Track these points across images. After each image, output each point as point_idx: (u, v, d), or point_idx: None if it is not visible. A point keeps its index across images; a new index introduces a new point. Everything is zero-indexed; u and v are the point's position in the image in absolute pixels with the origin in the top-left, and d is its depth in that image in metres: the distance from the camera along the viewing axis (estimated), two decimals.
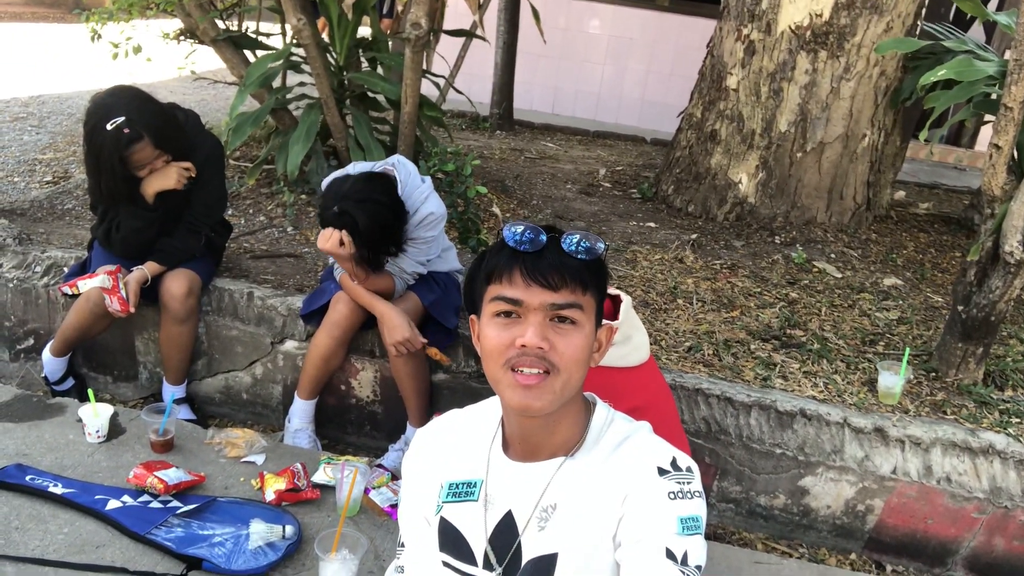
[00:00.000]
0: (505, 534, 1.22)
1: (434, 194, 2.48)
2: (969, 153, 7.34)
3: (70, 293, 2.53)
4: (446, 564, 1.26)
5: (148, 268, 2.54)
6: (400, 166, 2.48)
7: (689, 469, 1.15)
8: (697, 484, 1.15)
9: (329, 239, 2.29)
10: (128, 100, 2.37)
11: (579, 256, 1.14)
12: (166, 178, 2.49)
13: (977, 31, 7.02)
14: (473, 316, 1.24)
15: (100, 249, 2.63)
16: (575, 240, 1.15)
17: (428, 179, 2.53)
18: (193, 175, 2.54)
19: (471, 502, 1.25)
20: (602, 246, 1.16)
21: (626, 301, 1.86)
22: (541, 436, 1.21)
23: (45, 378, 2.76)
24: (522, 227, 1.15)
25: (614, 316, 1.81)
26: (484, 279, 1.18)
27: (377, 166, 2.50)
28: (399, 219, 2.38)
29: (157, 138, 2.40)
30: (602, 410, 1.25)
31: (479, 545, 1.24)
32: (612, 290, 1.87)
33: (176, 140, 2.48)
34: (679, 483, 1.13)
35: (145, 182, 2.48)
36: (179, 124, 2.52)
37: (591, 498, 1.17)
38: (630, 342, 1.83)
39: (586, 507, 1.17)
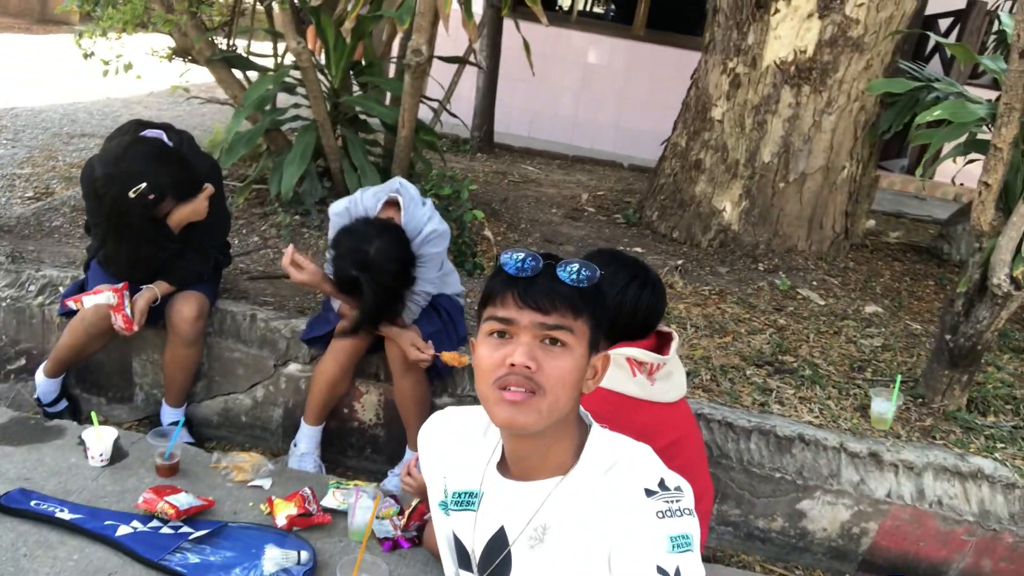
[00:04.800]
0: (496, 545, 1.28)
1: (436, 214, 2.51)
2: (928, 183, 7.62)
3: (74, 308, 2.49)
4: None
5: (159, 287, 2.52)
6: (404, 190, 2.51)
7: (679, 488, 1.17)
8: (687, 503, 1.16)
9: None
10: (144, 162, 2.35)
11: (572, 283, 1.18)
12: (196, 210, 2.51)
13: (935, 66, 7.33)
14: (472, 339, 1.28)
15: (98, 269, 2.59)
16: (570, 267, 1.19)
17: (429, 201, 2.56)
18: (212, 192, 2.55)
19: (471, 511, 1.32)
20: (598, 274, 1.20)
21: (676, 339, 1.90)
22: (535, 458, 1.25)
23: (37, 399, 2.71)
24: (521, 254, 1.20)
25: (661, 351, 1.85)
26: (481, 302, 1.24)
27: (382, 192, 2.51)
28: (408, 280, 2.42)
29: (179, 192, 2.45)
30: (597, 432, 1.26)
31: (475, 552, 1.32)
32: (663, 327, 1.91)
33: (194, 181, 2.50)
34: (667, 502, 1.14)
35: (174, 216, 2.49)
36: (190, 164, 2.51)
37: (582, 521, 1.19)
38: (671, 378, 1.87)
39: (578, 530, 1.19)
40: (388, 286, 2.32)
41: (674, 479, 1.18)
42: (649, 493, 1.15)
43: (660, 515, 1.12)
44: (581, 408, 1.28)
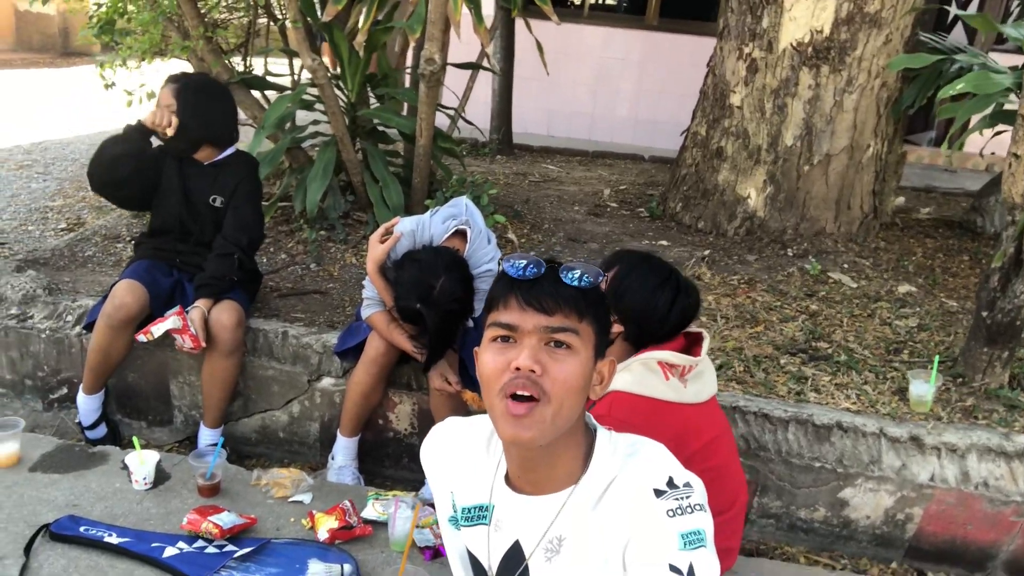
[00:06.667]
0: (512, 560, 1.27)
1: (497, 253, 2.55)
2: (958, 155, 7.46)
3: (145, 340, 2.57)
4: None
5: (202, 304, 2.60)
6: (472, 223, 2.53)
7: (688, 484, 1.16)
8: (698, 498, 1.15)
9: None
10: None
11: (575, 284, 1.17)
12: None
13: (959, 33, 7.17)
14: (476, 348, 1.26)
15: (139, 264, 2.74)
16: (572, 270, 1.18)
17: (494, 238, 2.59)
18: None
19: (483, 525, 1.31)
20: (600, 277, 1.19)
21: (707, 339, 1.88)
22: (543, 470, 1.22)
23: (79, 424, 2.77)
24: (523, 260, 1.18)
25: (691, 352, 1.83)
26: (485, 309, 1.23)
27: (451, 221, 2.51)
28: (467, 316, 2.43)
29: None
30: (604, 436, 1.25)
31: (491, 567, 1.31)
32: (693, 328, 1.89)
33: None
34: (677, 500, 1.13)
35: None
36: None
37: (597, 529, 1.18)
38: (702, 378, 1.85)
39: (593, 538, 1.18)
40: (447, 322, 2.34)
41: (683, 475, 1.17)
42: (659, 493, 1.14)
43: (671, 513, 1.12)
44: (587, 414, 1.26)
